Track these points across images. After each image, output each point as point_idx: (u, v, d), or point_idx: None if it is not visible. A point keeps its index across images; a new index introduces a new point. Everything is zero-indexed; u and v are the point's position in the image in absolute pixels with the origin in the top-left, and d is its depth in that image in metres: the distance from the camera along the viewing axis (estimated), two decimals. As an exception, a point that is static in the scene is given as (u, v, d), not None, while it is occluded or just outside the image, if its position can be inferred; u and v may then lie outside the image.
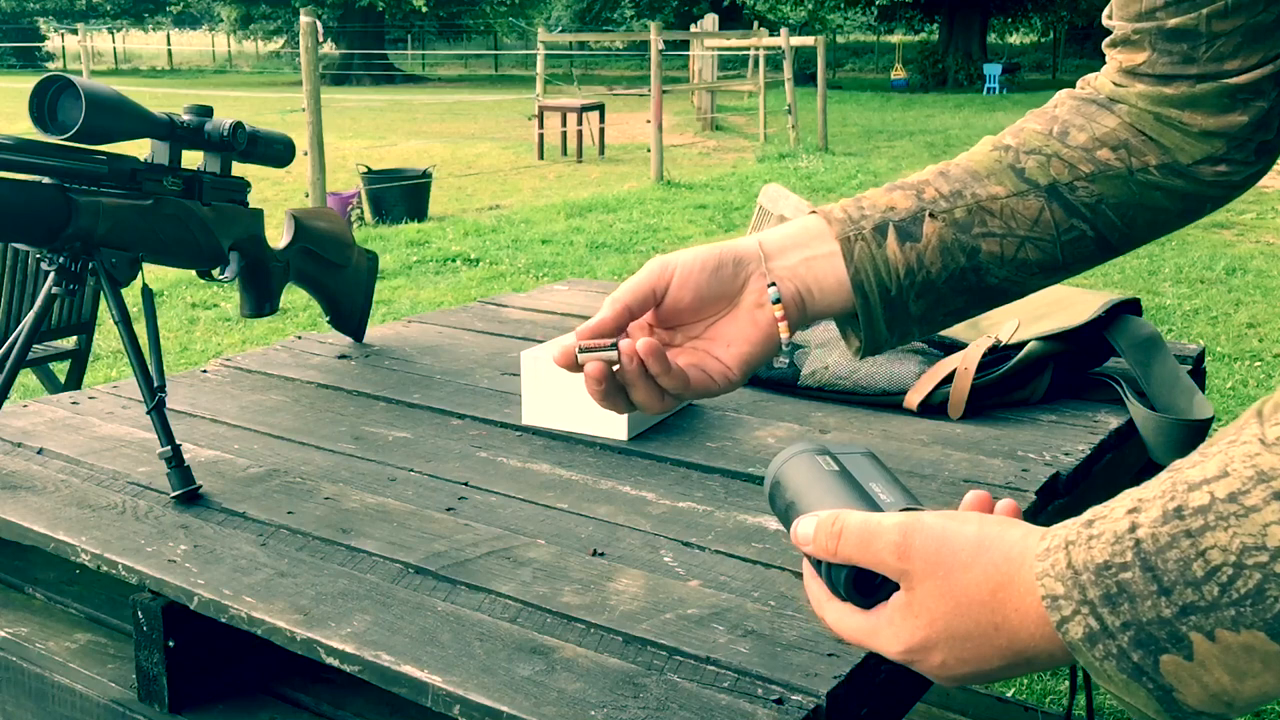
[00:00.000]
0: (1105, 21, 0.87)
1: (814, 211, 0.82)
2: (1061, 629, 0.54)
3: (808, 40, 14.78)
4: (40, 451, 1.25)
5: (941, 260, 0.80)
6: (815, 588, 0.64)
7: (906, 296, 0.80)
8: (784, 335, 0.78)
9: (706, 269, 0.77)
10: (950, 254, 0.81)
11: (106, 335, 4.93)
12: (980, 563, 0.57)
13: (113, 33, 41.32)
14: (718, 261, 0.77)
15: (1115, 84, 0.86)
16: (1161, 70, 0.83)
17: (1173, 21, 0.81)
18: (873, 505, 0.63)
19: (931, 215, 0.80)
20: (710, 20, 17.25)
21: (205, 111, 1.33)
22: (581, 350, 0.73)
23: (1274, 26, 0.79)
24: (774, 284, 0.78)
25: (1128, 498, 0.54)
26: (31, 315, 1.19)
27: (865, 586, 0.61)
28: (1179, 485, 0.52)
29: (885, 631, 0.60)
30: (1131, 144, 0.84)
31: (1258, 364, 4.94)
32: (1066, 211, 0.83)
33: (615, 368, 0.74)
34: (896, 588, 0.60)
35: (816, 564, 0.63)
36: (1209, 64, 0.81)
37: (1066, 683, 2.48)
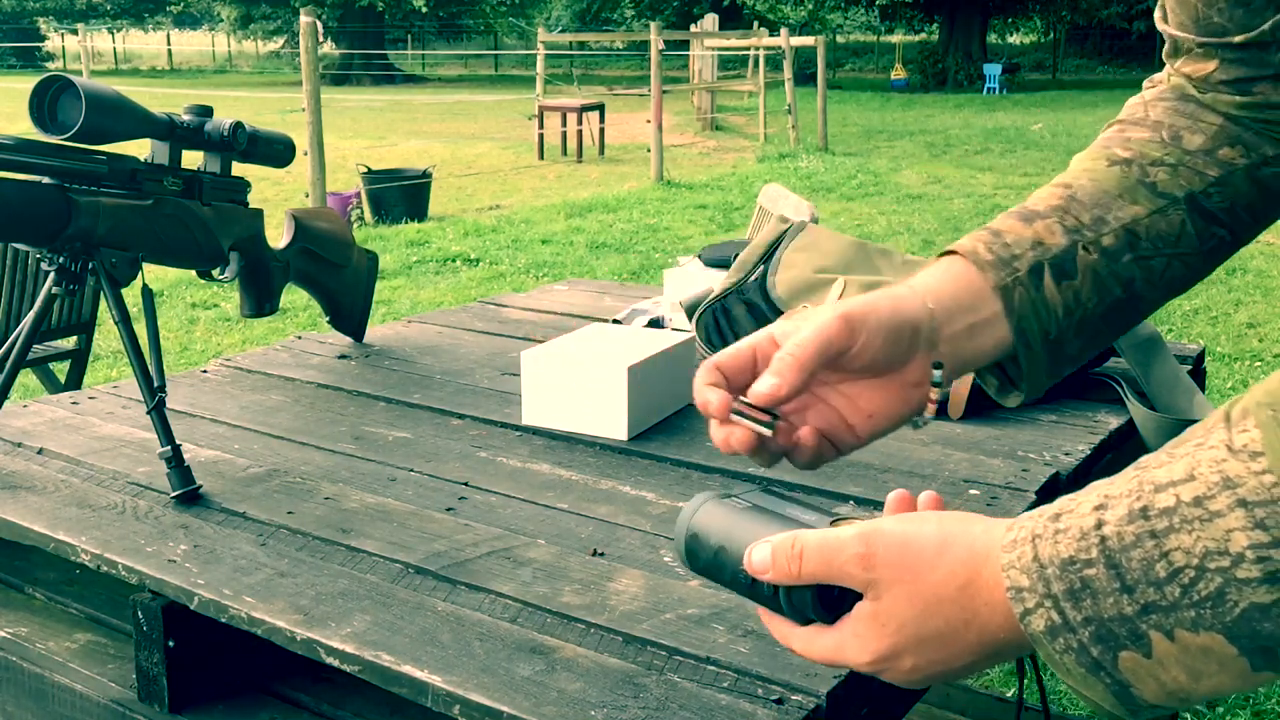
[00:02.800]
0: (1161, 27, 0.85)
1: (953, 251, 0.77)
2: (1024, 620, 0.54)
3: (808, 40, 14.79)
4: (40, 451, 1.25)
5: (1098, 294, 0.78)
6: (776, 624, 0.63)
7: (1065, 337, 0.77)
8: (927, 414, 0.75)
9: (890, 339, 0.71)
10: (1104, 287, 0.78)
11: (106, 335, 4.92)
12: (945, 561, 0.57)
13: (113, 33, 41.32)
14: (898, 331, 0.72)
15: (1196, 88, 0.84)
16: (1236, 76, 0.82)
17: (1240, 38, 0.80)
18: (799, 527, 0.61)
19: (1084, 248, 0.77)
20: (710, 20, 17.26)
21: (205, 111, 1.33)
22: (736, 412, 0.69)
23: None
24: (940, 365, 0.74)
25: (1094, 493, 0.54)
26: (31, 315, 1.19)
27: (830, 603, 0.60)
28: (1146, 485, 0.53)
29: (851, 644, 0.59)
30: (1245, 138, 0.82)
31: (1258, 364, 4.94)
32: (1206, 220, 0.80)
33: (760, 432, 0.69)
34: (859, 598, 0.59)
35: (771, 597, 0.61)
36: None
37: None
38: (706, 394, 0.69)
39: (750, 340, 0.72)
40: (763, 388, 0.68)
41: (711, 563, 0.64)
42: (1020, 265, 0.76)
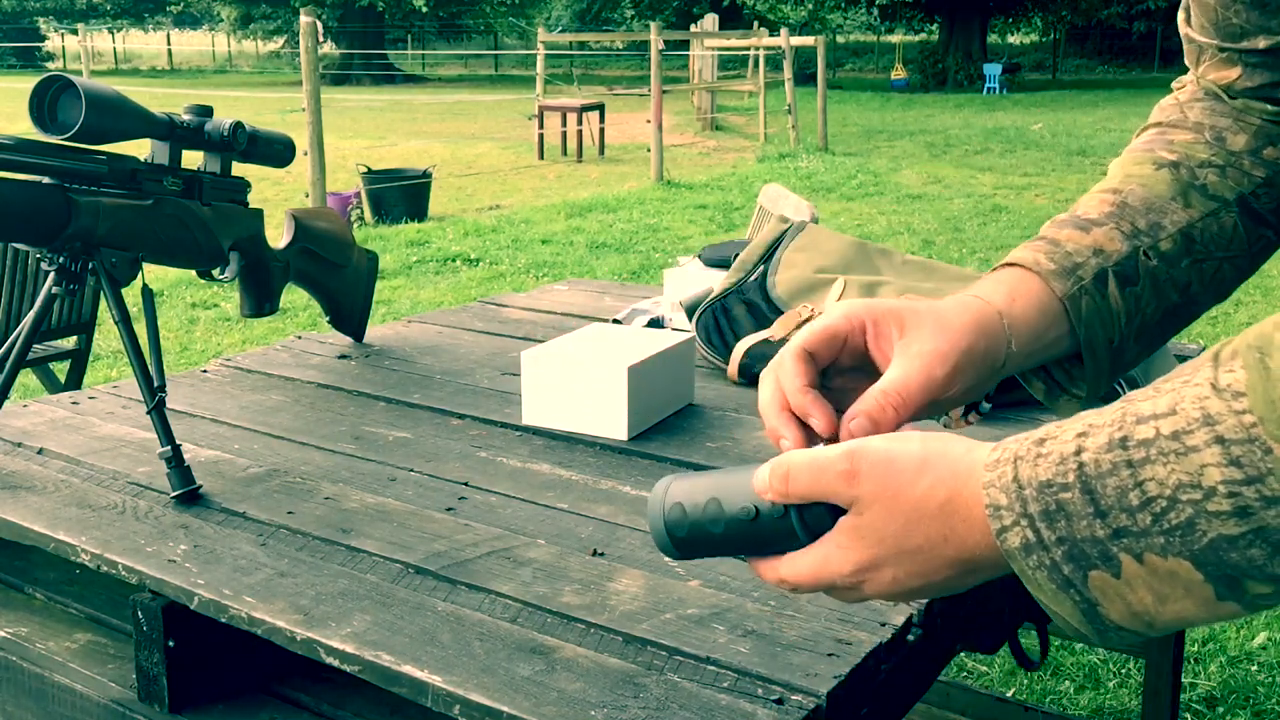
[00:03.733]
0: (1184, 31, 0.84)
1: (1015, 263, 0.77)
2: (1000, 537, 0.56)
3: (808, 40, 14.79)
4: (40, 451, 1.25)
5: (1156, 299, 0.79)
6: (765, 566, 0.64)
7: (1126, 344, 0.79)
8: (956, 424, 0.77)
9: (981, 382, 0.72)
10: (1163, 292, 0.79)
11: (106, 335, 4.93)
12: (927, 477, 0.58)
13: (113, 33, 41.31)
14: (990, 372, 0.73)
15: (1224, 93, 0.83)
16: (1261, 82, 0.81)
17: (1264, 43, 0.79)
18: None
19: (1145, 254, 0.78)
20: (710, 20, 17.26)
21: (205, 111, 1.33)
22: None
23: None
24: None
25: (1080, 421, 0.56)
26: (31, 315, 1.19)
27: (816, 521, 0.61)
28: (1129, 416, 0.54)
29: (835, 555, 0.61)
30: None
31: (1258, 364, 4.93)
32: (1255, 222, 0.81)
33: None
34: (844, 513, 0.60)
35: (779, 519, 0.62)
36: None
37: (1067, 682, 2.48)
38: (782, 431, 0.68)
39: (838, 322, 0.71)
40: (856, 430, 0.67)
41: (699, 524, 0.64)
42: (1085, 274, 0.76)
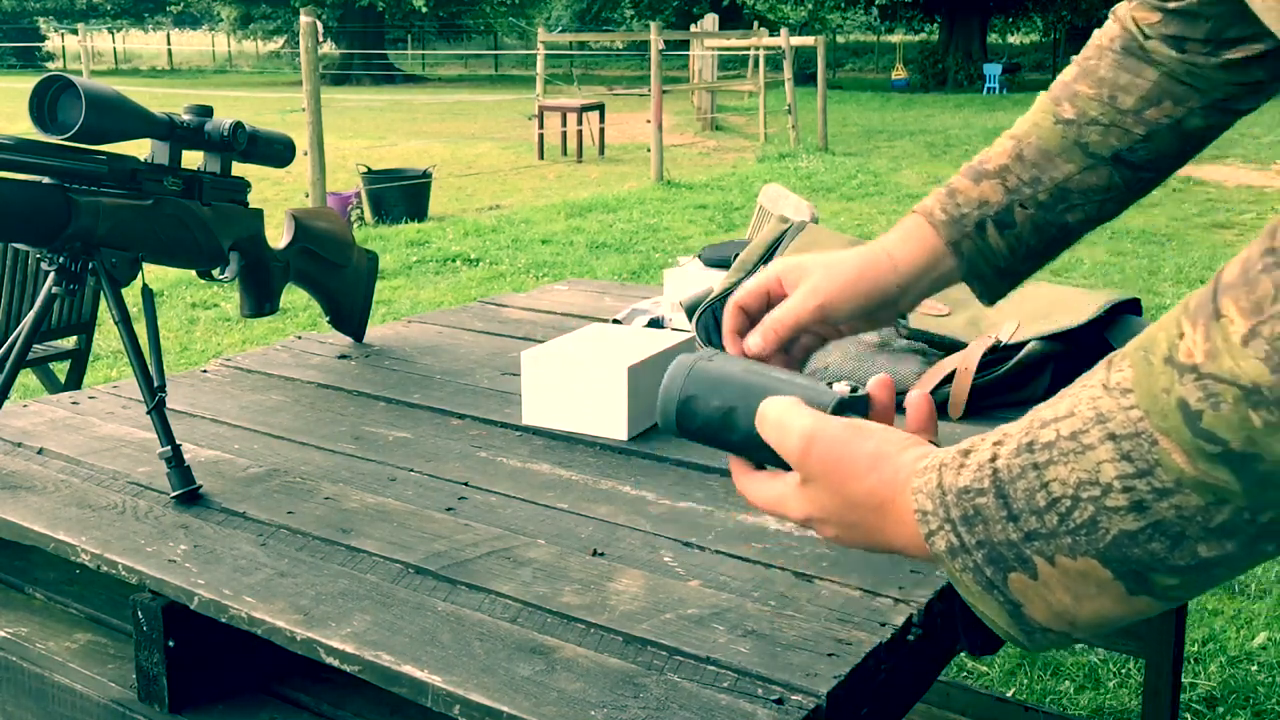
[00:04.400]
0: None
1: (916, 212, 0.95)
2: (929, 540, 0.60)
3: (808, 40, 14.78)
4: (40, 451, 1.25)
5: (1036, 236, 0.94)
6: (736, 464, 0.73)
7: (1014, 267, 0.95)
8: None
9: (860, 316, 0.93)
10: (1042, 230, 0.94)
11: (106, 335, 4.93)
12: (871, 479, 0.64)
13: (113, 33, 41.31)
14: (869, 308, 0.92)
15: (1142, 33, 0.93)
16: (1173, 33, 0.90)
17: (1173, 4, 0.89)
18: (803, 391, 0.71)
19: (1021, 205, 0.93)
20: (710, 20, 17.25)
21: (205, 111, 1.33)
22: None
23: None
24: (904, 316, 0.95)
25: (1000, 431, 0.60)
26: (31, 315, 1.19)
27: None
28: (1035, 422, 0.58)
29: (789, 499, 0.69)
30: (1176, 92, 0.91)
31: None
32: (1131, 170, 0.93)
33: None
34: None
35: (767, 449, 0.69)
36: (1212, 36, 0.89)
37: (1067, 682, 2.48)
38: (733, 339, 0.92)
39: (763, 280, 0.93)
40: (750, 346, 0.90)
41: (711, 424, 0.72)
42: (968, 223, 0.93)
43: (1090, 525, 0.55)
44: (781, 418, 0.68)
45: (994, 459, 0.58)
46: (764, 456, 0.71)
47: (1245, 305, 0.51)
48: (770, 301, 0.92)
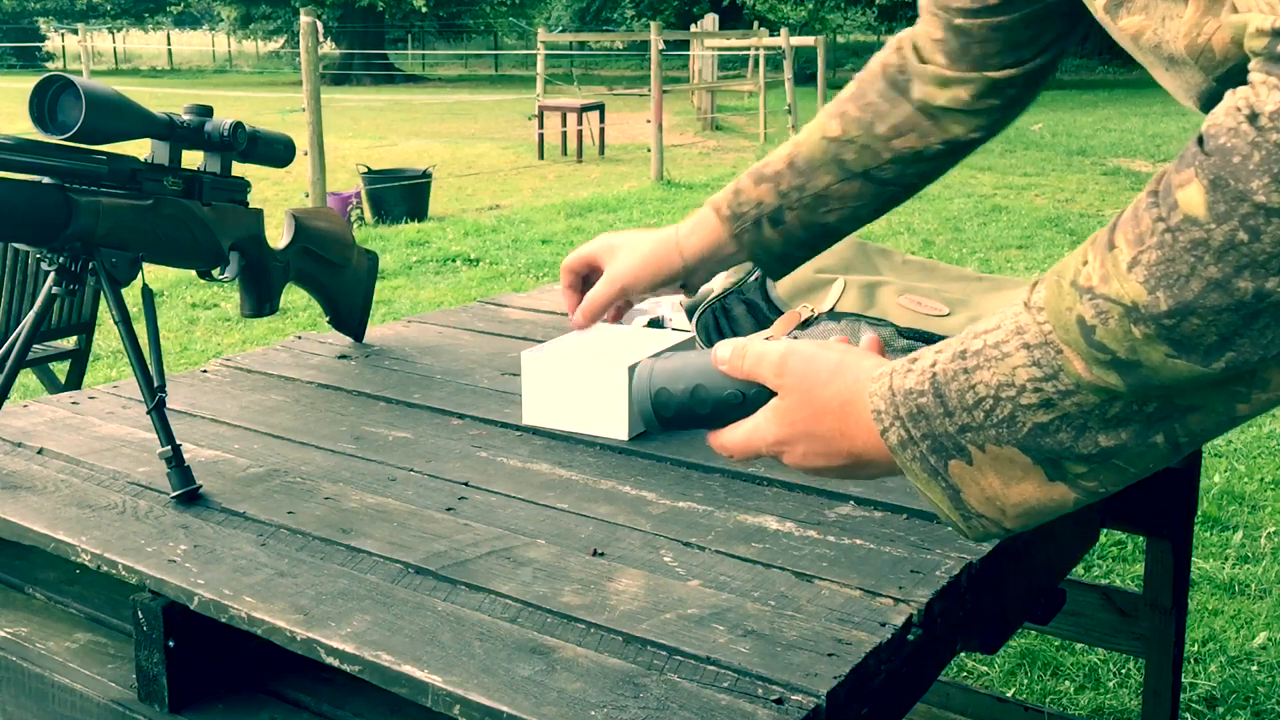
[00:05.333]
0: None
1: (709, 205, 1.16)
2: (884, 435, 0.71)
3: (808, 40, 14.79)
4: (40, 451, 1.25)
5: (805, 231, 1.15)
6: (716, 435, 0.81)
7: (789, 252, 1.16)
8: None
9: (654, 291, 1.18)
10: (809, 226, 1.15)
11: (106, 335, 4.92)
12: (835, 383, 0.74)
13: (113, 33, 41.29)
14: (661, 286, 1.17)
15: (916, 55, 1.11)
16: (947, 51, 1.08)
17: (959, 21, 1.05)
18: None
19: (789, 208, 1.14)
20: (710, 20, 17.26)
21: (205, 111, 1.33)
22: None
23: (1028, 42, 1.05)
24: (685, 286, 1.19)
25: (943, 342, 0.70)
26: (31, 315, 1.19)
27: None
28: (968, 334, 0.69)
29: (763, 427, 0.77)
30: (922, 127, 1.11)
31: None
32: (879, 185, 1.13)
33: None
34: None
35: (742, 410, 0.79)
36: (980, 59, 1.07)
37: (1067, 682, 2.48)
38: (569, 295, 1.22)
39: (593, 251, 1.20)
40: (574, 324, 1.20)
41: (686, 405, 0.80)
42: (746, 219, 1.14)
43: (1010, 420, 0.66)
44: (760, 347, 0.78)
45: (934, 364, 0.69)
46: (734, 418, 0.79)
47: (1130, 237, 0.61)
48: (590, 268, 1.20)
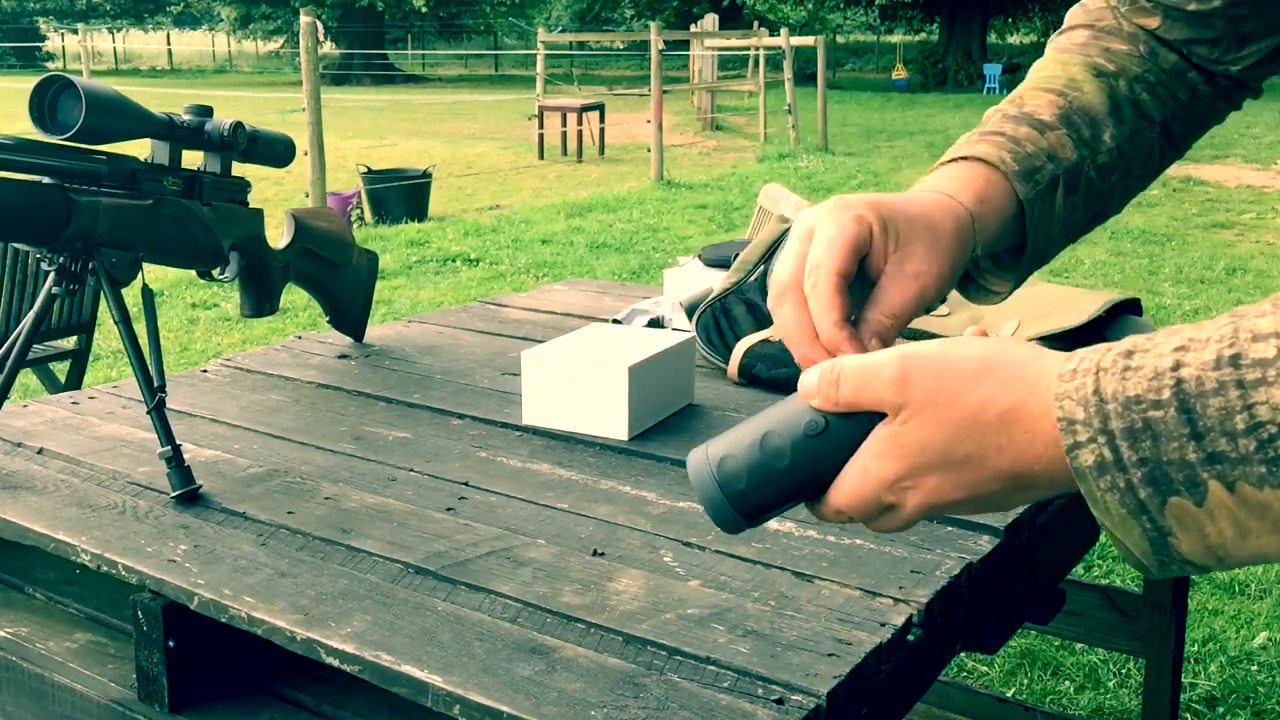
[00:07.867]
0: None
1: (979, 158, 0.75)
2: (1071, 454, 0.52)
3: (808, 40, 14.78)
4: (40, 451, 1.25)
5: (1087, 209, 0.80)
6: (821, 506, 0.61)
7: (1052, 246, 0.79)
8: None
9: (956, 280, 0.73)
10: (1093, 202, 0.80)
11: (106, 335, 4.92)
12: (987, 382, 0.55)
13: (113, 33, 41.31)
14: (961, 253, 0.72)
15: (1143, 32, 0.84)
16: (1178, 37, 0.82)
17: (1193, 6, 0.81)
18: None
19: (1089, 165, 0.78)
20: (710, 20, 17.25)
21: (205, 111, 1.33)
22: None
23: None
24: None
25: (1177, 335, 0.52)
26: (31, 315, 1.19)
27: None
28: (1243, 333, 0.50)
29: (875, 465, 0.57)
30: (1194, 72, 0.84)
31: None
32: (1168, 144, 0.83)
33: None
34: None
35: (828, 442, 0.59)
36: (1224, 38, 0.81)
37: (1067, 682, 2.48)
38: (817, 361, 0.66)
39: (854, 237, 0.67)
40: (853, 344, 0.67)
41: (758, 465, 0.60)
42: (1041, 178, 0.76)
43: None
44: (858, 361, 0.57)
45: (1177, 367, 0.50)
46: (828, 463, 0.59)
47: None
48: (862, 254, 0.68)
